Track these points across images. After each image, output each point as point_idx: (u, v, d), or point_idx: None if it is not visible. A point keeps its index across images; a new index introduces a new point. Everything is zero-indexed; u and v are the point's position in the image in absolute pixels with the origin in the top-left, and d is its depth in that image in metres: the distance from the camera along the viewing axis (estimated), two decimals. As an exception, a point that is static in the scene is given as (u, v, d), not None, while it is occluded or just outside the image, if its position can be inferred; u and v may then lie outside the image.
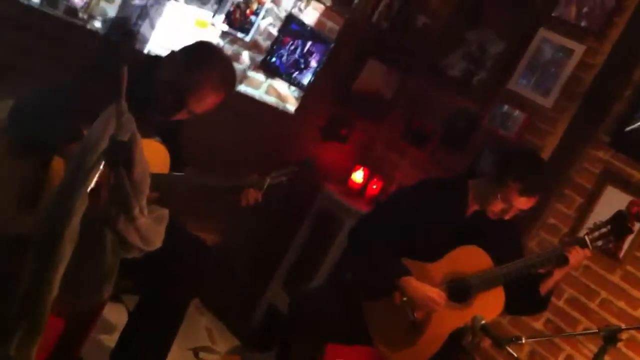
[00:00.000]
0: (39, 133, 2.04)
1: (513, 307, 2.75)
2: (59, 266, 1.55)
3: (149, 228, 1.69)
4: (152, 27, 2.82)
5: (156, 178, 2.22)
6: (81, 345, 2.46)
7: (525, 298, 2.76)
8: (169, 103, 2.24)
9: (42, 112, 2.11)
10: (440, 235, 2.74)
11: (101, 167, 1.50)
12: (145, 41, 2.83)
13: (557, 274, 2.68)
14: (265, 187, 2.55)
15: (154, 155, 2.26)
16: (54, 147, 1.95)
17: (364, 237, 2.80)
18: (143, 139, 2.20)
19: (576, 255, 2.60)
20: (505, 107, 3.67)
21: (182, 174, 2.38)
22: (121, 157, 1.51)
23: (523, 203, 2.67)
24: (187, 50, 2.32)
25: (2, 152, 1.93)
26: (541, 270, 2.72)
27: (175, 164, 2.41)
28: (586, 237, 2.63)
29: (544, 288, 2.73)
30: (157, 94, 2.24)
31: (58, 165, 1.93)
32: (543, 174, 2.75)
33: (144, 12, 2.75)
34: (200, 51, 2.31)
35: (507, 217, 2.72)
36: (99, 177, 1.51)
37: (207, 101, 2.31)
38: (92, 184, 1.51)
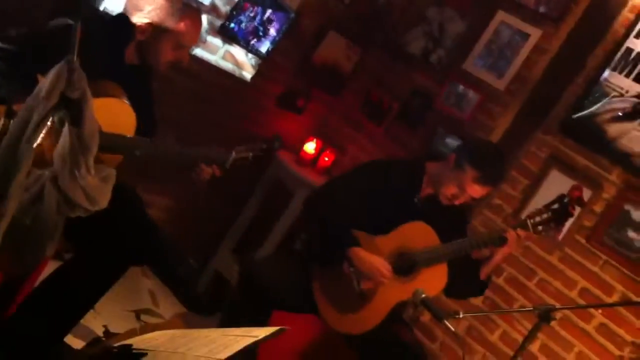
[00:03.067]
0: None
1: (453, 290, 2.84)
2: (2, 222, 1.52)
3: (96, 187, 1.67)
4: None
5: (120, 139, 2.19)
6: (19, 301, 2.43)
7: (465, 281, 2.84)
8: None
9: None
10: (392, 212, 2.79)
11: (49, 123, 1.48)
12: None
13: (498, 257, 2.75)
14: (230, 161, 2.48)
15: (118, 116, 2.23)
16: (10, 97, 1.89)
17: (318, 207, 2.84)
18: (110, 97, 2.18)
19: (515, 237, 2.67)
20: (461, 87, 3.71)
21: (147, 139, 2.30)
22: (70, 114, 1.49)
23: (476, 191, 2.74)
24: None
25: None
26: (485, 251, 2.79)
27: (146, 129, 2.37)
28: (528, 221, 2.71)
29: (484, 272, 2.81)
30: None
31: None
32: (500, 167, 2.84)
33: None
34: None
35: (457, 203, 2.78)
36: (46, 133, 1.49)
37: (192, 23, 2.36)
38: (39, 140, 1.49)
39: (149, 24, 2.29)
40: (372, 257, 2.68)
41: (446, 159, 2.83)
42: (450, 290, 2.80)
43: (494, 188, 2.85)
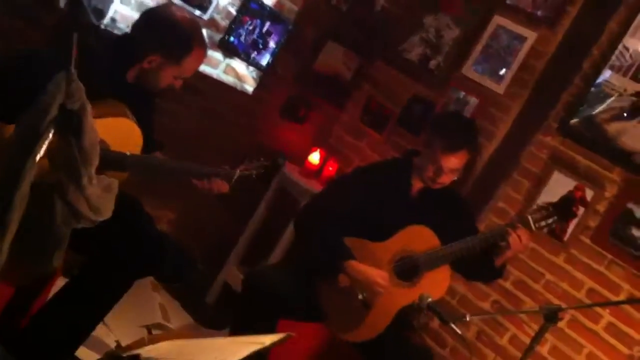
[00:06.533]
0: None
1: (471, 273, 2.88)
2: (7, 233, 1.55)
3: (98, 197, 1.70)
4: (109, 2, 2.80)
5: (127, 158, 2.24)
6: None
7: (481, 268, 2.85)
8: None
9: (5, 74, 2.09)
10: (388, 214, 2.80)
11: (50, 135, 1.51)
12: (102, 17, 2.82)
13: (508, 254, 2.75)
14: (234, 178, 2.56)
15: (126, 135, 2.29)
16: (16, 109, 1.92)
17: (309, 221, 2.85)
18: (117, 117, 2.23)
19: (516, 237, 2.66)
20: (460, 92, 3.73)
21: (154, 156, 2.38)
22: (70, 125, 1.52)
23: (450, 162, 2.73)
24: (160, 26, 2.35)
25: None
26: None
27: (148, 146, 2.43)
28: (529, 217, 2.70)
29: (498, 261, 2.79)
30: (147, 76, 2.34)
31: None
32: (464, 131, 2.82)
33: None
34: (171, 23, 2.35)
35: (440, 181, 2.78)
36: (48, 145, 1.52)
37: (197, 62, 2.45)
38: (42, 152, 1.52)
39: (159, 56, 2.33)
40: (367, 269, 2.68)
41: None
42: (469, 273, 2.89)
43: (469, 155, 2.79)
